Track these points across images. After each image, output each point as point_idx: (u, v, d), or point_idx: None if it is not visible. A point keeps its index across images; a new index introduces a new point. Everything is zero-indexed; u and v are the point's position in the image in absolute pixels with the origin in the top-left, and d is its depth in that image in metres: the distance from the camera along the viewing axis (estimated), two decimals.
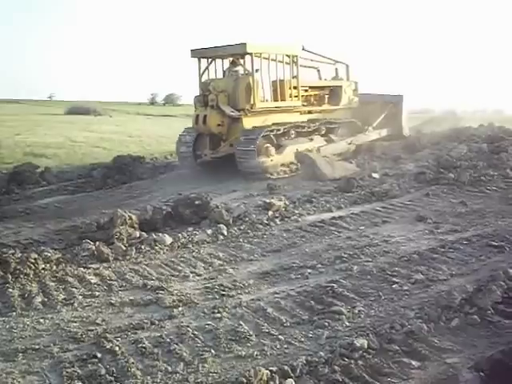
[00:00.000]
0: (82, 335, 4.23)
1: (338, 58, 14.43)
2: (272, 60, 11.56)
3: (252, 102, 11.10)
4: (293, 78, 12.11)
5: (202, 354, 3.89)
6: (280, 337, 4.13)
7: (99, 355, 3.89)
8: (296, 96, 12.16)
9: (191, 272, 5.70)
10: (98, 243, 6.36)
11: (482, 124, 21.37)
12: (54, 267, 5.83)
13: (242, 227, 7.31)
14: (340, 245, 6.46)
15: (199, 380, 3.57)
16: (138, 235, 6.77)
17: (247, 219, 7.57)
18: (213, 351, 3.93)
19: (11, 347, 4.08)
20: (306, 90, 13.19)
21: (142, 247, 6.46)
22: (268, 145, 11.11)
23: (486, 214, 7.73)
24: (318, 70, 14.12)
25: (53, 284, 5.41)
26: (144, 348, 3.98)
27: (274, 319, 4.44)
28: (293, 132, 11.72)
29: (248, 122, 11.23)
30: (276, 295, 4.96)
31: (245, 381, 3.44)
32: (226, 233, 7.05)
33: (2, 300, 5.01)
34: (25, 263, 5.70)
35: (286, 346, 4.00)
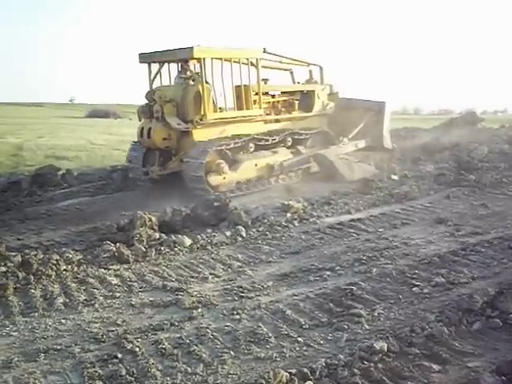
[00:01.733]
0: (102, 336, 4.28)
1: (311, 59, 12.91)
2: (229, 64, 10.21)
3: (202, 113, 9.74)
4: (257, 83, 10.95)
5: (221, 356, 3.91)
6: (299, 339, 4.13)
7: (120, 356, 3.93)
8: (257, 103, 10.83)
9: (210, 273, 5.73)
10: (118, 245, 6.44)
11: (503, 125, 21.14)
12: (76, 268, 5.91)
13: (260, 229, 7.32)
14: (359, 247, 6.43)
15: (219, 381, 3.59)
16: (157, 237, 6.83)
17: (266, 221, 7.57)
18: (232, 353, 3.95)
19: (33, 347, 4.15)
20: (273, 96, 11.92)
21: (162, 249, 6.51)
22: (220, 161, 9.78)
23: (507, 216, 7.62)
24: (291, 73, 12.75)
25: (74, 285, 5.48)
26: (164, 349, 4.01)
27: (292, 321, 4.44)
28: (251, 145, 10.36)
29: (199, 135, 9.85)
30: (295, 297, 4.95)
31: (264, 382, 3.45)
32: (244, 234, 7.07)
33: (24, 300, 5.10)
34: (47, 264, 5.79)
35: (305, 348, 4.00)
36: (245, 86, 10.49)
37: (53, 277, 5.65)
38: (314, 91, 12.48)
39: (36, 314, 4.80)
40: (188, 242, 6.71)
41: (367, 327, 4.29)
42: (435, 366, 3.67)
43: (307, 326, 4.35)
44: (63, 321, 4.63)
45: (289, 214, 7.92)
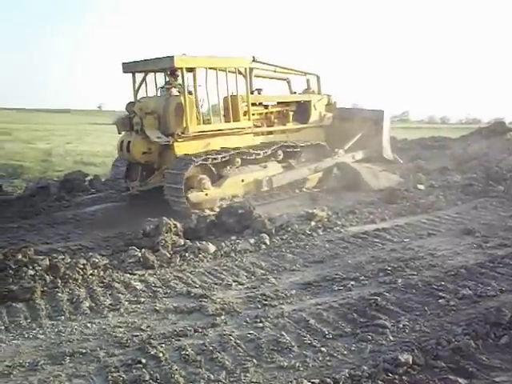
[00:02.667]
0: (127, 340, 4.32)
1: (308, 68, 12.30)
2: (216, 74, 9.66)
3: (184, 126, 9.15)
4: (251, 93, 10.65)
5: (244, 363, 3.90)
6: (322, 349, 4.10)
7: (144, 361, 3.96)
8: (245, 115, 10.15)
9: (234, 281, 5.74)
10: (143, 250, 6.52)
11: None
12: (102, 273, 6.00)
13: (284, 237, 7.31)
14: (384, 257, 6.36)
15: None
16: (182, 243, 6.89)
17: (290, 229, 7.56)
18: (255, 361, 3.94)
19: (59, 350, 4.22)
20: (266, 107, 11.32)
21: (186, 255, 6.56)
22: (203, 176, 9.12)
23: None
24: (288, 82, 12.14)
25: (100, 289, 5.55)
26: (187, 355, 4.02)
27: (316, 331, 4.42)
28: (237, 159, 9.67)
29: (182, 149, 9.25)
30: (318, 306, 4.92)
31: None
32: (268, 242, 7.07)
33: (51, 304, 5.19)
34: (74, 268, 5.89)
35: (328, 358, 3.97)
36: (232, 96, 9.95)
37: (79, 281, 5.74)
38: (310, 101, 11.87)
39: (62, 317, 4.87)
40: (212, 248, 6.75)
41: (392, 339, 4.24)
42: (461, 380, 3.60)
43: (331, 336, 4.32)
44: (89, 325, 4.70)
45: (313, 223, 7.90)
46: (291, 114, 11.61)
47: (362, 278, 5.66)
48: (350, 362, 3.88)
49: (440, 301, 4.95)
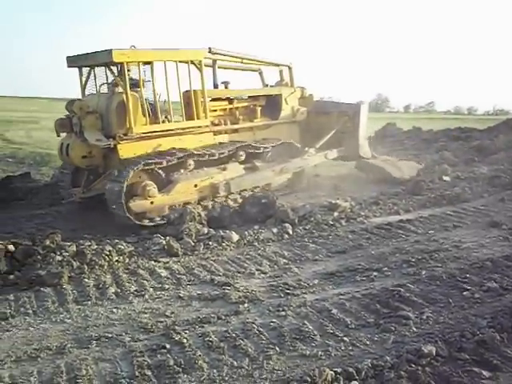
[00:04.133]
0: (152, 326, 4.40)
1: (278, 58, 11.21)
2: (168, 69, 8.44)
3: (128, 126, 8.07)
4: (216, 87, 9.93)
5: (266, 351, 3.94)
6: (345, 338, 4.11)
7: (168, 346, 4.03)
8: (203, 112, 9.07)
9: (257, 269, 5.78)
10: (168, 238, 6.61)
11: None
12: (127, 260, 6.10)
13: (307, 227, 7.32)
14: (408, 248, 6.32)
15: (264, 376, 3.63)
16: (206, 231, 6.96)
17: (312, 219, 7.56)
18: (277, 349, 3.98)
19: (86, 334, 4.32)
20: (231, 102, 10.14)
21: (210, 243, 6.62)
22: (148, 182, 7.95)
23: None
24: (261, 73, 11.11)
25: (125, 276, 5.66)
26: (211, 342, 4.08)
27: (338, 320, 4.43)
28: (190, 162, 8.51)
29: (128, 151, 8.10)
30: (341, 296, 4.93)
31: (309, 380, 3.47)
32: (291, 232, 7.09)
33: (78, 289, 5.31)
34: (100, 255, 6.00)
35: (350, 347, 3.98)
36: (185, 92, 8.88)
37: (105, 267, 5.85)
38: (280, 95, 10.79)
39: (89, 302, 4.98)
40: (235, 237, 6.79)
41: (415, 330, 4.22)
42: (485, 373, 3.58)
43: (353, 326, 4.32)
44: (114, 310, 4.79)
45: (336, 213, 7.88)
46: (259, 109, 10.55)
47: (385, 269, 5.64)
48: (373, 353, 3.89)
49: (465, 293, 4.91)
